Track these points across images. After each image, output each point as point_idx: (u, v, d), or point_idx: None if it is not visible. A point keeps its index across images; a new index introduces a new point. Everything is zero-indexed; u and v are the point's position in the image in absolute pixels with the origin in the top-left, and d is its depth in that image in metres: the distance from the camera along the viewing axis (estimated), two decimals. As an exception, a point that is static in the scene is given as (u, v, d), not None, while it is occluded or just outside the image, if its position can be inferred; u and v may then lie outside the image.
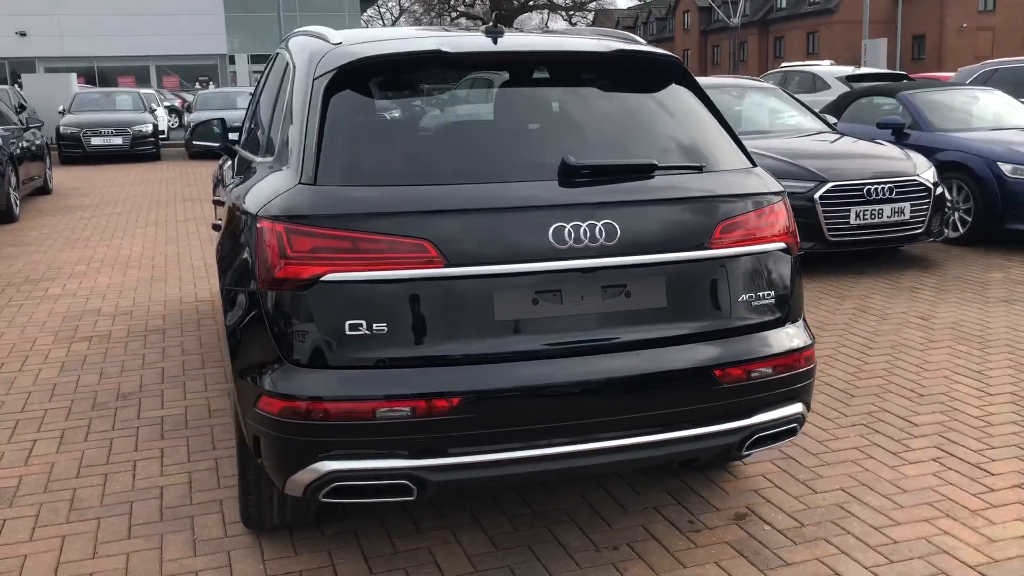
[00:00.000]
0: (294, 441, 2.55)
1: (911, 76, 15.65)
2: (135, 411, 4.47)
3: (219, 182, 5.08)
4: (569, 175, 2.67)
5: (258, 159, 3.36)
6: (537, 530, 3.23)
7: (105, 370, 5.10)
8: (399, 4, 67.58)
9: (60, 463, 3.86)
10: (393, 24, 69.13)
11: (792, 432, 2.94)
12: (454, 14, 55.80)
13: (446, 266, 2.53)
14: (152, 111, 21.17)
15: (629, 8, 67.27)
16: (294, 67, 3.21)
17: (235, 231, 2.98)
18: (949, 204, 8.02)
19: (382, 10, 66.15)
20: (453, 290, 2.55)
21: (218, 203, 4.32)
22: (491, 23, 3.10)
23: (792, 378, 2.86)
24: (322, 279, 2.52)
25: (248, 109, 4.76)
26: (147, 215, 11.33)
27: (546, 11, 52.89)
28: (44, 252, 8.84)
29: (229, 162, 4.95)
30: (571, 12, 52.09)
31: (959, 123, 9.02)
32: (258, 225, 2.66)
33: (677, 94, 3.06)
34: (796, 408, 2.89)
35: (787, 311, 2.92)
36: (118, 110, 20.39)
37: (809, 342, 2.94)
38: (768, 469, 3.69)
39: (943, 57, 50.81)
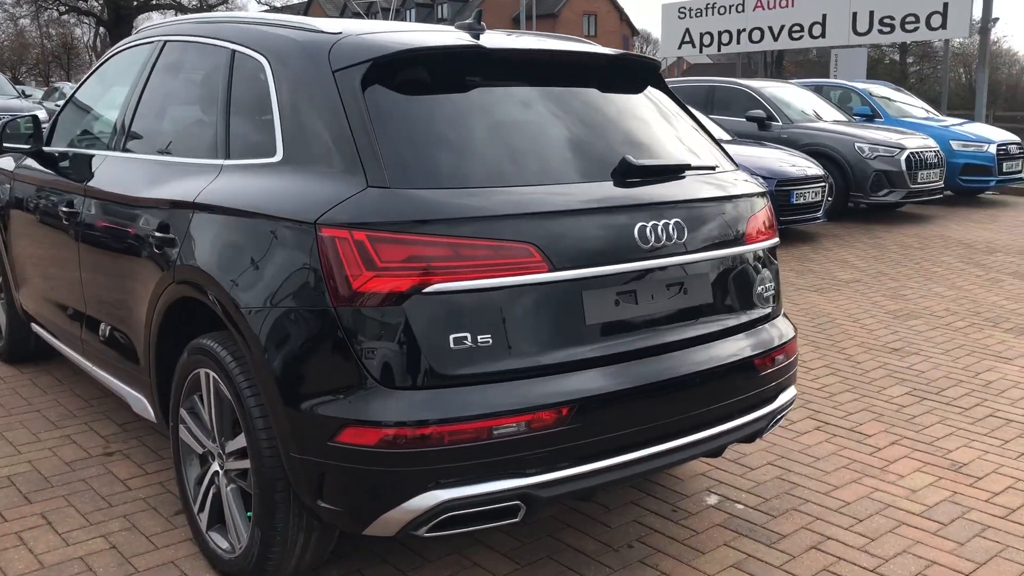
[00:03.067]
0: (397, 473, 2.29)
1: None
2: (-38, 474, 3.62)
3: (13, 193, 4.27)
4: (628, 175, 2.67)
5: (216, 161, 2.92)
6: (543, 541, 3.16)
7: None
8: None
9: (-88, 549, 3.04)
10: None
11: (785, 415, 3.18)
12: (63, 8, 50.43)
13: (550, 270, 2.42)
14: None
15: (259, 13, 65.45)
16: (266, 61, 2.84)
17: (250, 241, 2.57)
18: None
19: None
20: (552, 295, 2.45)
21: (74, 213, 3.64)
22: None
23: (793, 363, 3.10)
24: (424, 290, 2.28)
25: (82, 107, 4.07)
26: None
27: (173, 11, 49.75)
28: None
29: (29, 163, 4.22)
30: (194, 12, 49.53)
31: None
32: (321, 234, 2.34)
33: (666, 98, 3.17)
34: (794, 391, 3.14)
35: (780, 300, 3.16)
36: None
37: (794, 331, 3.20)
38: (698, 454, 3.92)
39: (557, 76, 55.68)
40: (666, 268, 2.66)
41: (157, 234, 2.97)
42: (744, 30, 21.63)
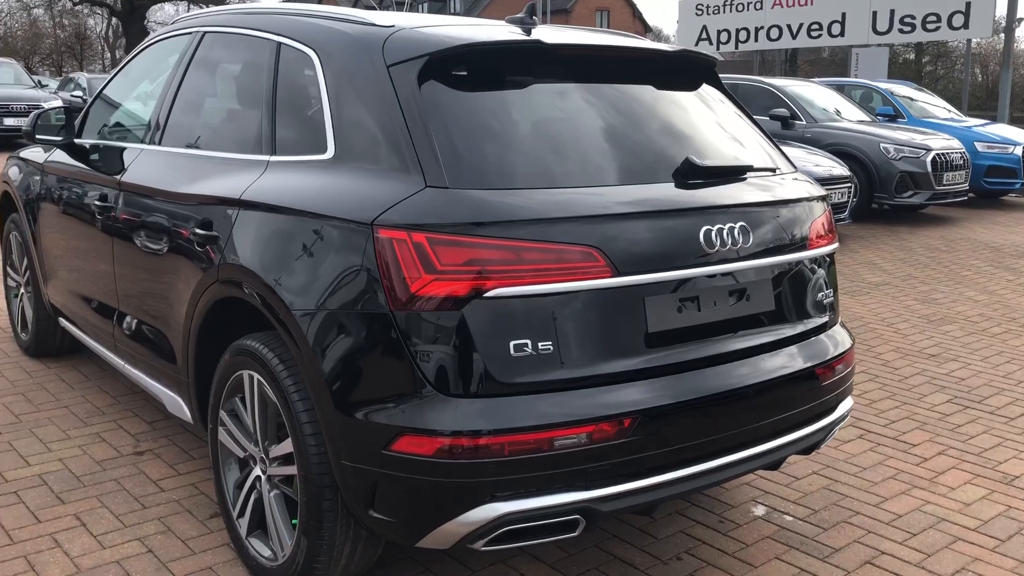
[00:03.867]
0: (455, 484, 2.20)
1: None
2: (-9, 472, 3.55)
3: (50, 183, 4.19)
4: (691, 176, 2.57)
5: (262, 157, 2.83)
6: (591, 552, 3.07)
7: (-101, 425, 3.99)
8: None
9: (-56, 550, 2.96)
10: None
11: (841, 426, 3.08)
12: (75, -1, 50.32)
13: (613, 275, 2.32)
14: None
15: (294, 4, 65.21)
16: (315, 54, 2.75)
17: (301, 240, 2.48)
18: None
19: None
20: (615, 301, 2.35)
21: (99, 206, 3.56)
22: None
23: (851, 372, 3.00)
24: (484, 295, 2.19)
25: (116, 99, 3.98)
26: None
27: (185, 3, 49.72)
28: None
29: (60, 155, 4.15)
30: (207, 5, 49.38)
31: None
32: (378, 235, 2.25)
33: (722, 96, 3.07)
34: (851, 401, 3.04)
35: (837, 307, 3.06)
36: None
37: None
38: (741, 462, 3.81)
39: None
40: (730, 274, 2.57)
41: (199, 231, 2.88)
42: (762, 28, 21.47)
